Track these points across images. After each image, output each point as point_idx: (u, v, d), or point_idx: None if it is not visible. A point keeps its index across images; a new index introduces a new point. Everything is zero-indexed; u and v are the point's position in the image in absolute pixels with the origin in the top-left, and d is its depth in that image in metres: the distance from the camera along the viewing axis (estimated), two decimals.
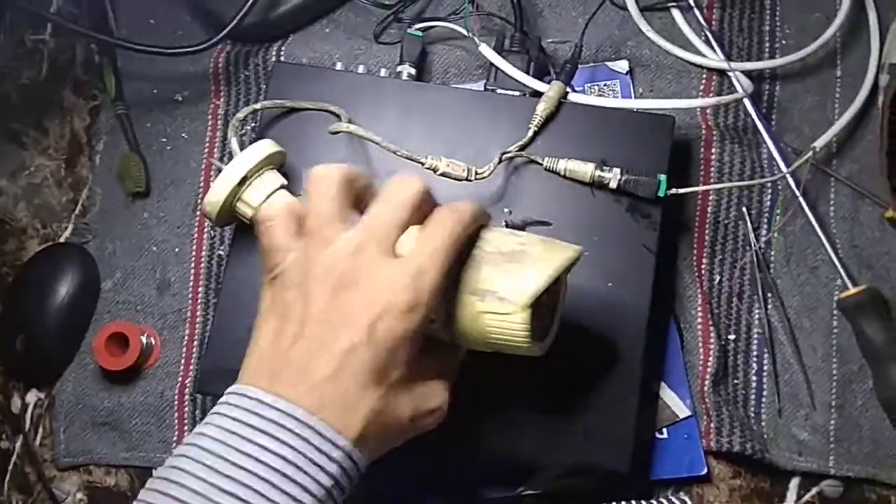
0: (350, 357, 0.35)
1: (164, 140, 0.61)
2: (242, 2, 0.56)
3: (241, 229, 0.51)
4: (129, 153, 0.60)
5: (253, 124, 0.58)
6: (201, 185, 0.59)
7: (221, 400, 0.36)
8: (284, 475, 0.33)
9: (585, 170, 0.49)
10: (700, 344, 0.53)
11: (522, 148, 0.50)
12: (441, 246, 0.37)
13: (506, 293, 0.38)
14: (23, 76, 0.64)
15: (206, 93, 0.61)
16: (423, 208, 0.39)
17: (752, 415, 0.53)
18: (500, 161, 0.49)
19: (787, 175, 0.53)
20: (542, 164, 0.50)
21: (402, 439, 0.38)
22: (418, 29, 0.56)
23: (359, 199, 0.40)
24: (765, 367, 0.53)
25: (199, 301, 0.58)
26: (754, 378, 0.54)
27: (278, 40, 0.61)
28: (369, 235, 0.37)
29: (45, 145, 0.63)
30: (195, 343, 0.57)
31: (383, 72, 0.56)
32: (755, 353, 0.54)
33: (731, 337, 0.54)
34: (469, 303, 0.39)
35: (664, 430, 0.52)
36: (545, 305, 0.42)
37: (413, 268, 0.36)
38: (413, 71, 0.55)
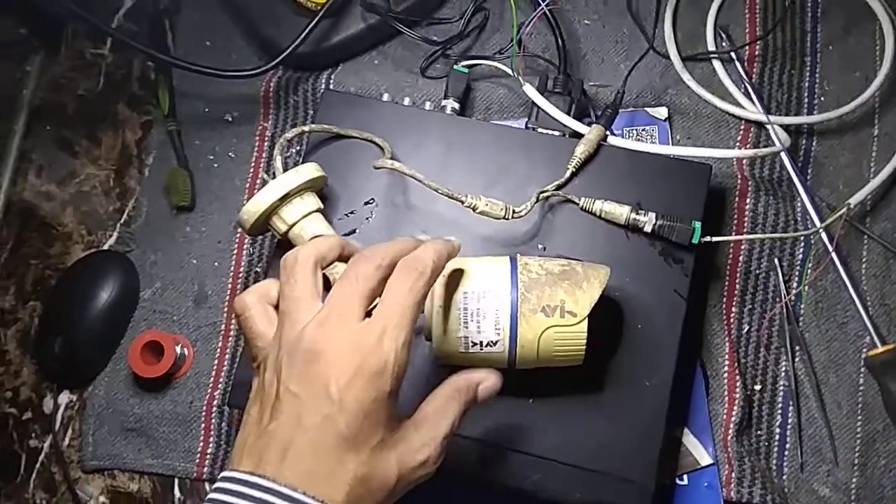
0: (324, 429, 0.36)
1: (211, 158, 0.63)
2: (297, 31, 0.59)
3: (279, 248, 0.52)
4: (176, 168, 0.62)
5: (299, 147, 0.60)
6: (244, 203, 0.61)
7: (213, 486, 0.37)
8: None
9: (621, 212, 0.50)
10: (725, 392, 0.53)
11: (560, 187, 0.52)
12: (403, 305, 0.38)
13: (570, 306, 0.44)
14: (80, 87, 0.67)
15: (256, 115, 0.63)
16: (387, 275, 0.39)
17: (775, 467, 0.53)
18: (538, 200, 0.50)
19: (821, 230, 0.54)
20: (578, 204, 0.51)
21: (395, 497, 0.39)
22: (464, 65, 0.58)
23: (343, 261, 0.42)
24: (789, 420, 0.53)
25: (233, 315, 0.59)
26: (778, 430, 0.54)
27: (328, 69, 0.63)
28: (333, 308, 0.38)
29: (97, 155, 0.65)
30: (227, 356, 0.59)
31: (428, 105, 0.58)
32: (780, 405, 0.54)
33: (757, 387, 0.54)
34: (535, 320, 0.43)
35: (685, 476, 0.53)
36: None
37: (378, 330, 0.37)
38: (457, 105, 0.57)
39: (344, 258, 0.43)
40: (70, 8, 0.59)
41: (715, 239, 0.50)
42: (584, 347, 0.45)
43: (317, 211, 0.50)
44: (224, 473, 0.37)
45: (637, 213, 0.50)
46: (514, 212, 0.49)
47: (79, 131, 0.66)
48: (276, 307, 0.41)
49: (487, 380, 0.41)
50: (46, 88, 0.67)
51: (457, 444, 0.41)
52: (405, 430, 0.39)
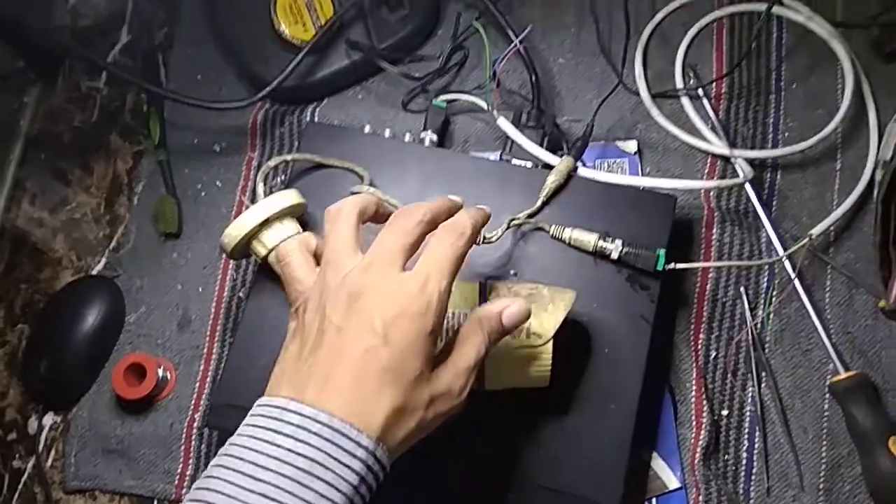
0: (367, 360, 0.38)
1: (199, 186, 0.65)
2: (284, 66, 0.61)
3: (261, 274, 0.54)
4: (165, 196, 0.64)
5: (283, 176, 0.62)
6: None
7: (250, 413, 0.38)
8: (312, 474, 0.35)
9: (589, 239, 0.52)
10: (693, 417, 0.54)
11: (531, 216, 0.54)
12: (445, 257, 0.41)
13: (535, 328, 0.46)
14: (75, 119, 0.70)
15: (243, 146, 0.65)
16: (431, 227, 0.43)
17: (742, 491, 0.54)
18: (509, 227, 0.52)
19: (784, 258, 0.56)
20: (548, 232, 0.53)
21: (425, 431, 0.40)
22: (443, 100, 0.60)
23: (377, 219, 0.45)
24: (756, 445, 0.55)
25: (216, 339, 0.61)
26: (745, 455, 0.55)
27: (314, 102, 0.65)
28: (376, 257, 0.41)
29: (89, 184, 0.68)
30: (208, 379, 0.60)
31: (407, 136, 0.60)
32: (747, 430, 0.55)
33: (724, 412, 0.55)
34: (502, 341, 0.44)
35: (654, 500, 0.54)
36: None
37: (421, 278, 0.40)
38: (435, 138, 0.59)
39: (381, 216, 0.45)
40: (69, 44, 0.62)
41: (679, 266, 0.52)
42: (549, 368, 0.46)
43: (296, 235, 0.52)
44: (261, 401, 0.38)
45: (604, 241, 0.52)
46: (485, 237, 0.51)
47: (72, 160, 0.68)
48: (315, 258, 0.44)
49: (510, 307, 0.43)
50: (43, 119, 0.70)
51: (420, 466, 0.42)
52: (436, 365, 0.40)
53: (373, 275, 0.40)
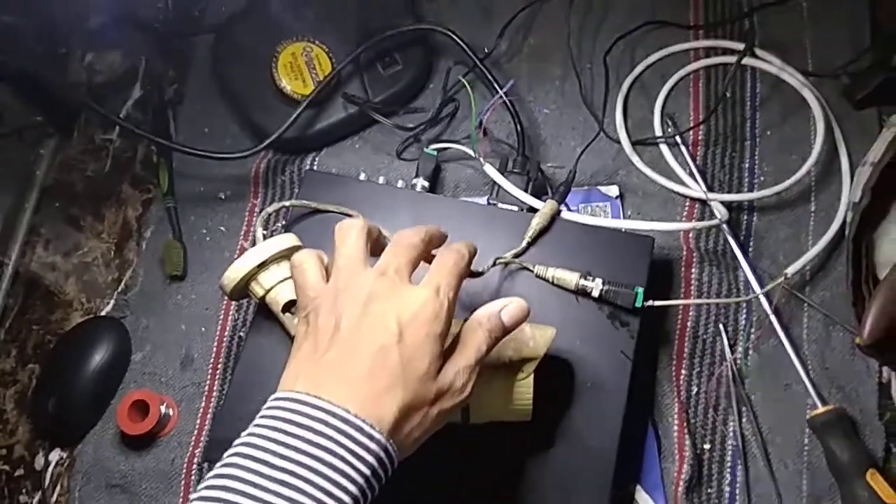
0: (382, 357, 0.40)
1: (204, 231, 0.68)
2: (285, 119, 0.65)
3: (260, 314, 0.57)
4: (171, 240, 0.68)
5: (283, 221, 0.66)
6: None
7: (265, 406, 0.40)
8: (329, 464, 0.37)
9: (571, 278, 0.55)
10: (676, 451, 0.56)
11: (516, 255, 0.56)
12: (452, 271, 0.44)
13: (518, 363, 0.47)
14: (88, 169, 0.74)
15: (246, 193, 0.69)
16: (429, 248, 0.46)
17: None
18: (494, 265, 0.55)
19: (761, 295, 0.58)
20: (532, 271, 0.56)
21: (431, 430, 0.42)
22: (434, 148, 0.64)
23: (374, 247, 0.48)
24: (738, 479, 0.56)
25: (217, 377, 0.63)
26: (727, 488, 0.56)
27: (313, 152, 0.69)
28: (388, 265, 0.44)
29: (100, 230, 0.71)
30: (209, 416, 0.62)
31: (400, 183, 0.64)
32: (729, 463, 0.56)
33: (707, 446, 0.57)
34: (485, 374, 0.45)
35: None
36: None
37: (433, 285, 0.43)
38: (426, 184, 0.62)
39: (378, 246, 0.48)
40: (84, 100, 0.67)
41: (657, 303, 0.54)
42: (531, 402, 0.49)
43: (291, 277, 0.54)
44: (276, 395, 0.40)
45: (586, 280, 0.54)
46: (471, 272, 0.53)
47: (85, 208, 0.72)
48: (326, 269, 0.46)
49: (508, 305, 0.46)
50: (58, 169, 0.74)
51: (405, 499, 0.44)
52: (440, 363, 0.42)
53: (388, 281, 0.43)
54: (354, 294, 0.43)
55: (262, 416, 0.39)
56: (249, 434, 0.38)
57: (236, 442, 0.38)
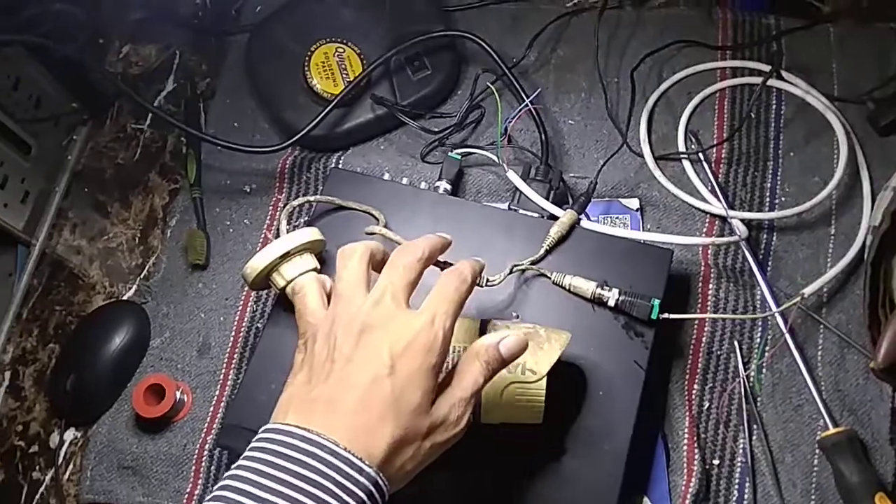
0: (374, 388, 0.40)
1: (228, 223, 0.70)
2: (312, 116, 0.66)
3: (279, 305, 0.58)
4: (195, 229, 0.69)
5: (307, 217, 0.67)
6: None
7: (256, 438, 0.40)
8: (315, 498, 0.36)
9: (588, 287, 0.55)
10: (685, 465, 0.56)
11: (534, 262, 0.57)
12: (450, 298, 0.43)
13: (531, 365, 0.48)
14: (119, 156, 0.75)
15: (272, 188, 0.70)
16: (428, 265, 0.46)
17: None
18: (511, 272, 0.55)
19: (777, 313, 0.58)
20: (550, 278, 0.56)
21: (424, 462, 0.42)
22: (458, 153, 0.65)
23: (378, 267, 0.47)
24: (745, 496, 0.56)
25: (232, 366, 0.64)
26: None
27: (339, 151, 0.70)
28: (384, 291, 0.43)
29: (126, 216, 0.72)
30: (222, 404, 0.63)
31: (423, 185, 0.64)
32: (737, 480, 0.56)
33: (716, 462, 0.57)
34: (498, 376, 0.45)
35: None
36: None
37: (429, 315, 0.42)
38: (449, 187, 0.63)
39: (383, 262, 0.48)
40: (120, 87, 0.68)
41: (672, 316, 0.54)
42: (542, 404, 0.49)
43: (313, 270, 0.55)
44: (268, 426, 0.40)
45: (602, 289, 0.55)
46: (488, 280, 0.54)
47: (113, 195, 0.74)
48: (328, 297, 0.46)
49: (507, 337, 0.45)
50: (89, 155, 0.76)
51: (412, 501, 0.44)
52: (435, 395, 0.42)
53: (383, 309, 0.43)
54: (349, 323, 0.42)
55: (251, 449, 0.39)
56: (238, 467, 0.38)
57: (227, 474, 0.38)
